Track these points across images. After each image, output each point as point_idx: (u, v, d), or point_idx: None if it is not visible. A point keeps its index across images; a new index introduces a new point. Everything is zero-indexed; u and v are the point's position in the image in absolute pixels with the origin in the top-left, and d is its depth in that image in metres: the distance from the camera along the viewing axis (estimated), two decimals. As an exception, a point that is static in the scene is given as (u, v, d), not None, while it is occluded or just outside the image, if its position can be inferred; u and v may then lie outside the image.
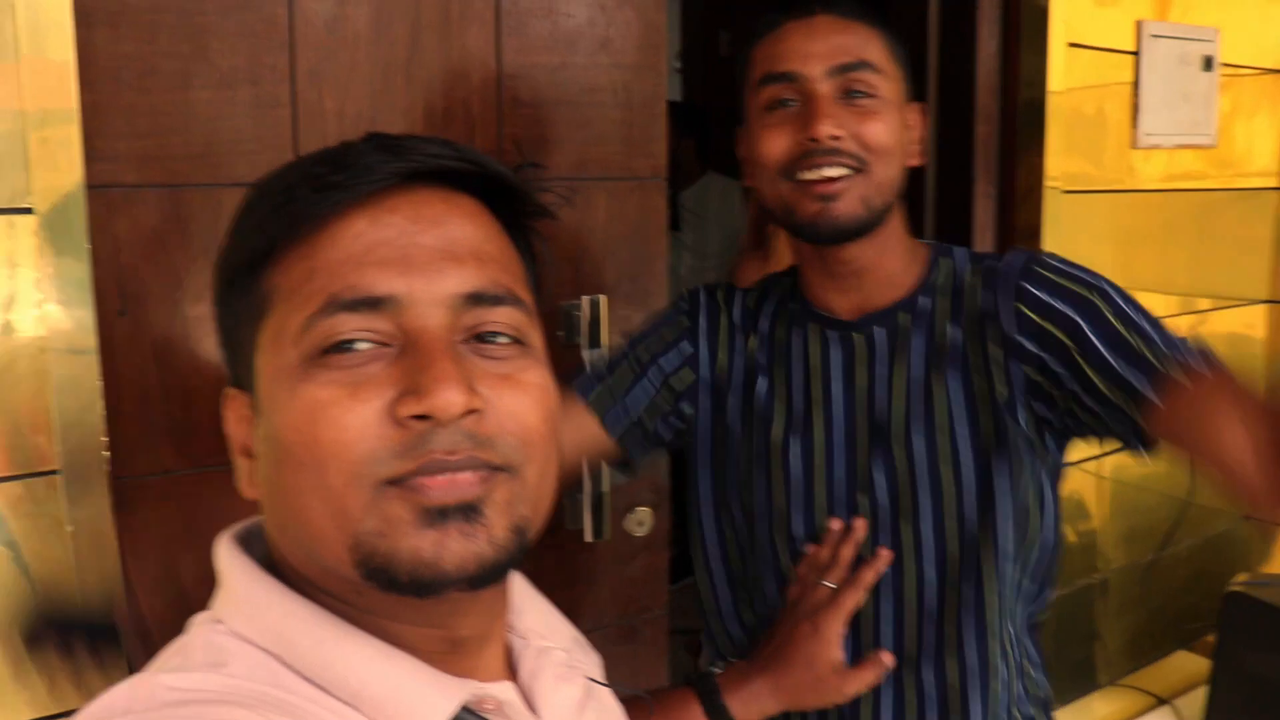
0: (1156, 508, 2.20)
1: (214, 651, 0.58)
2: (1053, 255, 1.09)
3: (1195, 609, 2.31)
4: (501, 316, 0.60)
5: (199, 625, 0.61)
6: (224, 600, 0.61)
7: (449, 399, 0.55)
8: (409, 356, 0.56)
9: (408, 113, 1.32)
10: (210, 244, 1.22)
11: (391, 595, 0.56)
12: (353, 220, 0.58)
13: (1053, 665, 2.09)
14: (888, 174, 1.06)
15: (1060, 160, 1.89)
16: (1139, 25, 1.97)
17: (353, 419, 0.55)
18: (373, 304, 0.57)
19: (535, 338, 0.63)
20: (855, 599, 1.08)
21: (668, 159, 1.52)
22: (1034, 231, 1.90)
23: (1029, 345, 1.03)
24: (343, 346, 0.57)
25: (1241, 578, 2.10)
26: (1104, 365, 0.98)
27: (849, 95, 1.04)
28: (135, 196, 1.18)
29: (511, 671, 0.68)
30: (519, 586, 0.73)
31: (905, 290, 1.11)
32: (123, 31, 1.15)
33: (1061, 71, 1.86)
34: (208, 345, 1.24)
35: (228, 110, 1.22)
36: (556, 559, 1.50)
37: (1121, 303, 1.02)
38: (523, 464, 0.59)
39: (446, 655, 0.61)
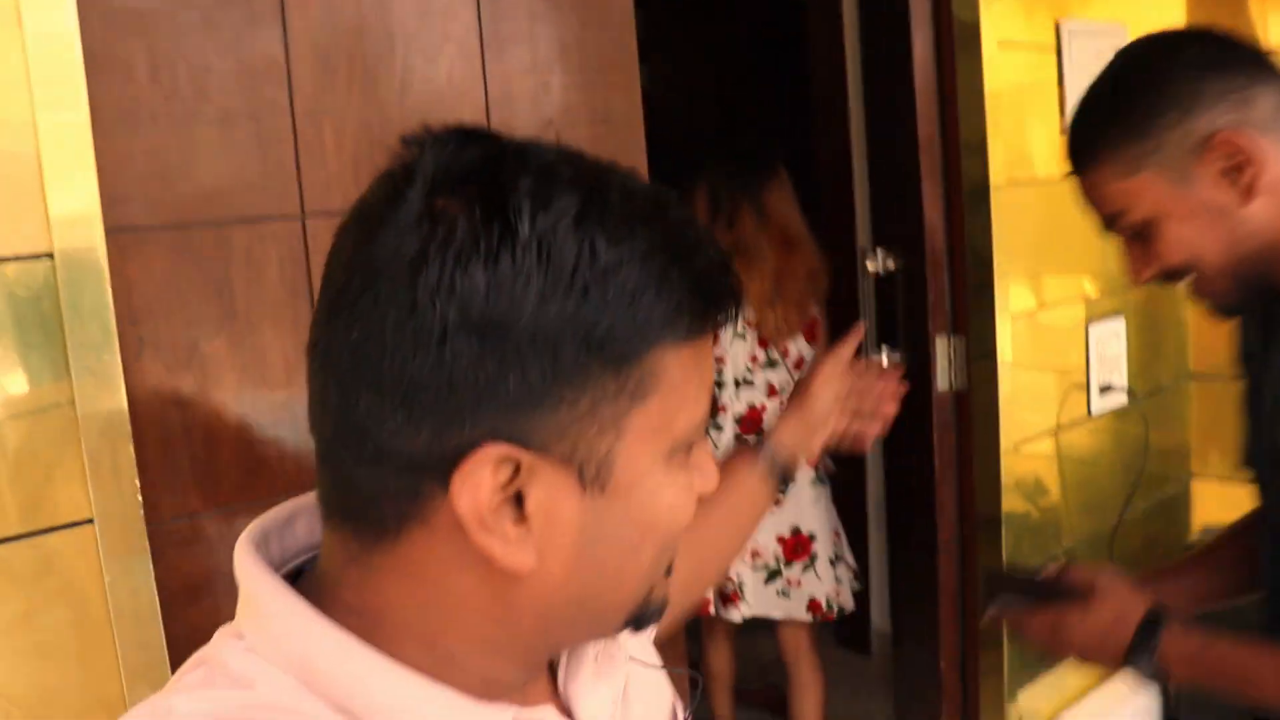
0: (1108, 478, 2.30)
1: (237, 671, 0.56)
2: None
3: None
4: None
5: (222, 637, 0.59)
6: (246, 613, 0.58)
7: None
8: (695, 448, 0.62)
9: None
10: (222, 281, 1.23)
11: (617, 629, 0.63)
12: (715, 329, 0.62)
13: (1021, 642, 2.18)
14: (1216, 258, 1.02)
15: (1000, 156, 1.99)
16: (1058, 23, 2.09)
17: (688, 504, 0.61)
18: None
19: None
20: None
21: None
22: (985, 227, 1.99)
23: None
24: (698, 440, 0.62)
25: (1197, 533, 2.21)
26: None
27: (1132, 236, 1.05)
28: (147, 237, 1.18)
29: (550, 676, 0.68)
30: None
31: None
32: (127, 75, 1.15)
33: (995, 71, 1.96)
34: (226, 383, 1.23)
35: (231, 147, 1.23)
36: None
37: None
38: None
39: (510, 688, 0.61)
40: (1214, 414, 2.52)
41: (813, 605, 2.45)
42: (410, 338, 0.51)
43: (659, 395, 0.55)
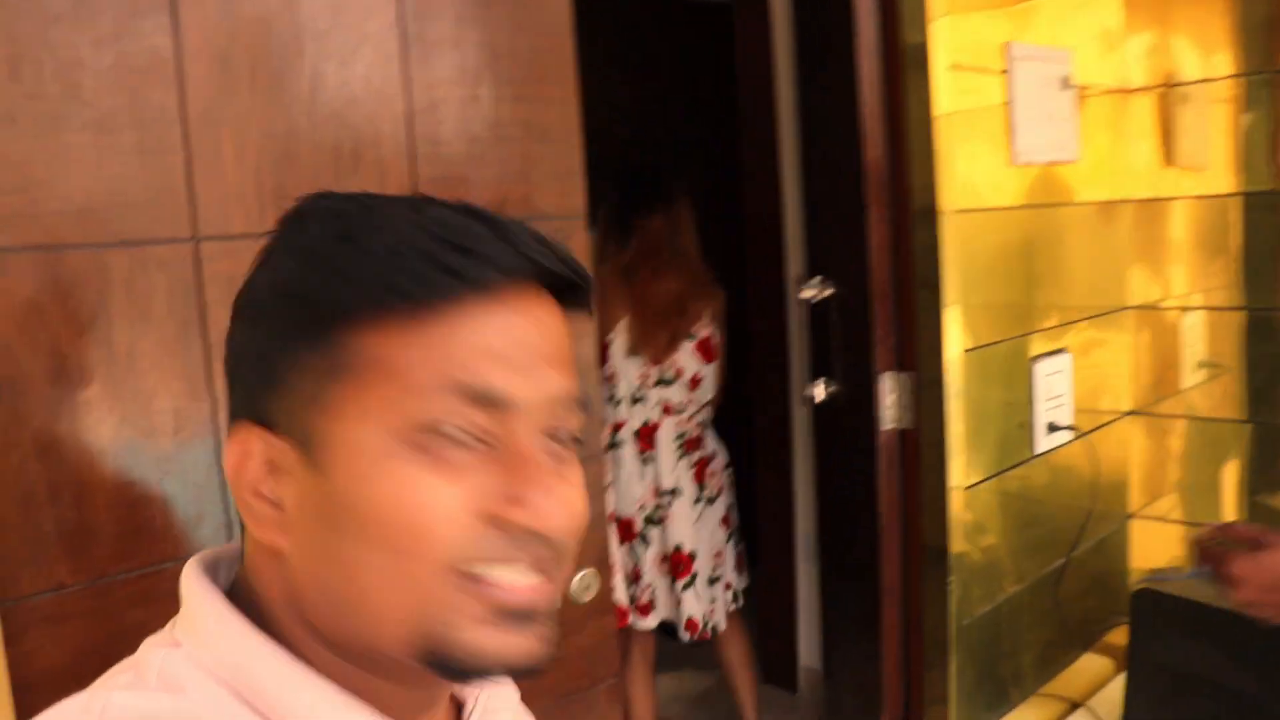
0: (1053, 518, 2.23)
1: (170, 675, 0.58)
2: None
3: (1094, 611, 2.36)
4: (575, 419, 0.62)
5: (153, 646, 0.61)
6: (185, 626, 0.61)
7: (558, 519, 0.58)
8: (512, 461, 0.58)
9: (315, 153, 1.18)
10: (97, 314, 1.05)
11: (434, 674, 0.59)
12: (470, 309, 0.57)
13: (972, 689, 2.08)
14: None
15: (947, 182, 1.90)
16: (1006, 46, 2.01)
17: (451, 512, 0.56)
18: (492, 402, 0.57)
19: None
20: None
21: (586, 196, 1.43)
22: (932, 252, 1.89)
23: None
24: (447, 433, 0.57)
25: (1143, 574, 2.15)
26: None
27: None
28: (5, 261, 1.00)
29: None
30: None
31: None
32: (-19, 68, 0.97)
33: (946, 93, 1.87)
34: (101, 433, 1.05)
35: (109, 158, 1.05)
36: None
37: None
38: (567, 563, 0.62)
39: (405, 710, 0.63)
40: (1150, 452, 2.47)
41: (689, 624, 2.55)
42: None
43: (371, 376, 0.56)
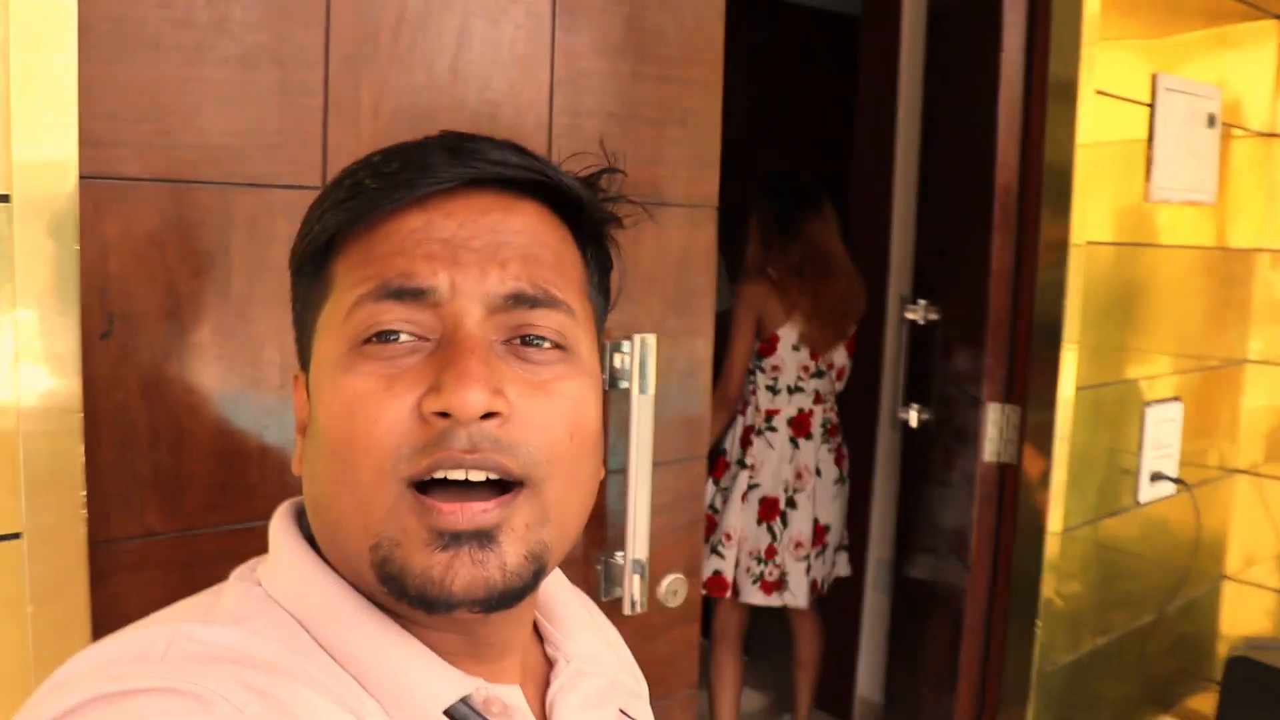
0: (1148, 573, 2.13)
1: (240, 609, 0.59)
2: None
3: (1179, 673, 2.25)
4: (542, 319, 0.60)
5: (236, 578, 0.63)
6: (266, 562, 0.64)
7: (467, 398, 0.54)
8: (442, 352, 0.57)
9: (452, 112, 1.13)
10: (217, 255, 1.01)
11: (405, 605, 0.58)
12: (410, 217, 0.59)
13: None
14: None
15: (1080, 214, 1.81)
16: (1154, 78, 1.92)
17: (384, 413, 0.56)
18: (416, 294, 0.58)
19: (584, 346, 0.63)
20: None
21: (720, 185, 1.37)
22: (1057, 285, 1.81)
23: None
24: (384, 336, 0.57)
25: (1238, 641, 2.04)
26: None
27: None
28: (131, 192, 0.96)
29: (544, 686, 0.69)
30: (576, 607, 0.74)
31: None
32: (131, -12, 0.93)
33: (1090, 122, 1.78)
34: (208, 379, 1.01)
35: (248, 95, 1.01)
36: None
37: None
38: (544, 479, 0.58)
39: (463, 656, 0.62)
40: (1251, 514, 2.35)
41: (812, 586, 2.74)
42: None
43: (331, 295, 0.60)
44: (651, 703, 0.83)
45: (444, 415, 0.55)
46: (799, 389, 2.73)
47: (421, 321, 0.58)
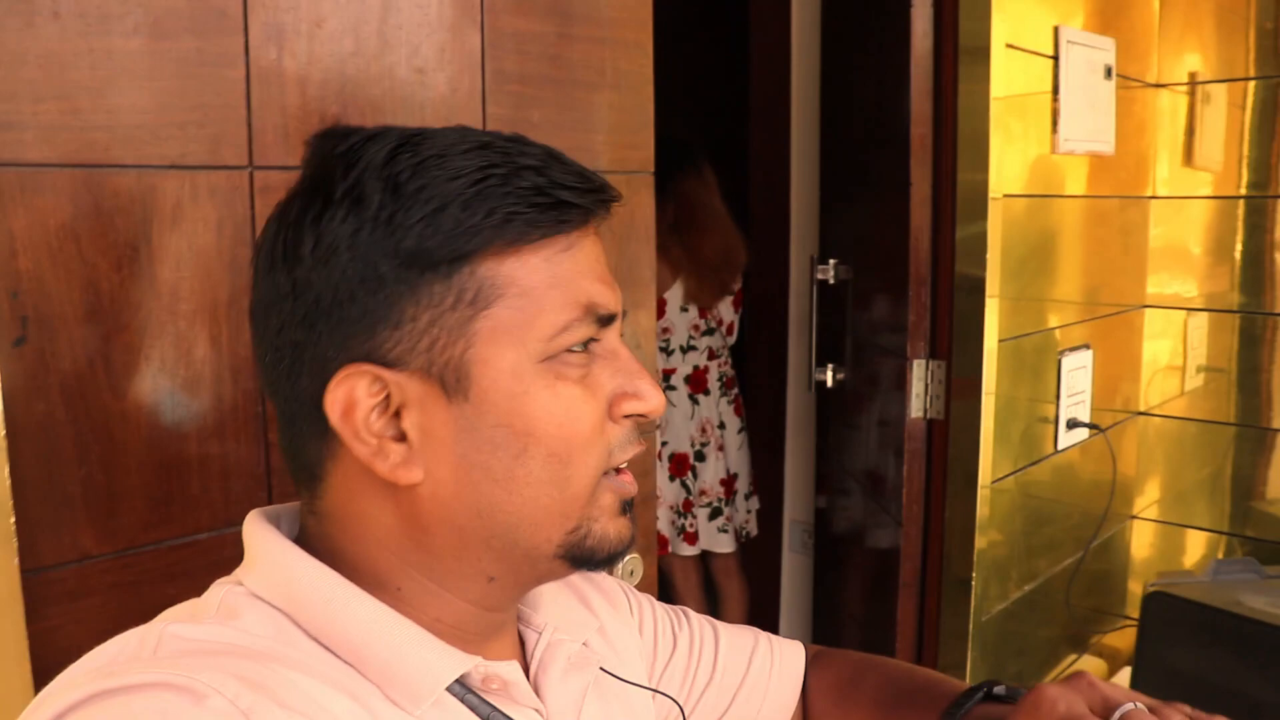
0: (1066, 517, 2.18)
1: (228, 607, 0.61)
2: None
3: (1097, 612, 2.32)
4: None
5: (217, 586, 0.64)
6: (244, 565, 0.65)
7: (662, 402, 0.67)
8: (617, 363, 0.66)
9: (382, 82, 1.05)
10: (140, 243, 0.91)
11: (566, 570, 0.67)
12: (574, 240, 0.64)
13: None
14: None
15: (998, 165, 1.82)
16: (1056, 31, 1.94)
17: (595, 416, 0.64)
18: (609, 320, 0.66)
19: None
20: None
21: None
22: (979, 239, 1.82)
23: None
24: (573, 349, 0.63)
25: (1152, 577, 2.11)
26: None
27: None
28: (38, 180, 0.86)
29: (522, 661, 0.73)
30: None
31: None
32: (25, -51, 0.83)
33: (1001, 75, 1.79)
34: (139, 382, 0.92)
35: (163, 67, 0.91)
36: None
37: None
38: None
39: (461, 636, 0.66)
40: (1154, 454, 2.44)
41: (734, 535, 2.90)
42: (274, 297, 0.63)
43: (506, 301, 0.61)
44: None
45: (636, 417, 0.66)
46: (692, 347, 2.84)
47: (593, 338, 0.66)
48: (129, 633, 0.59)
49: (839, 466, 2.45)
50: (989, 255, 1.81)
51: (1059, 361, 2.06)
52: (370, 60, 1.04)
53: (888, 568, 2.02)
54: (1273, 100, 2.24)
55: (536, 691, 0.70)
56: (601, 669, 0.77)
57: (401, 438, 0.62)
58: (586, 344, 0.64)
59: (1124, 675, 2.19)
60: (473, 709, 0.64)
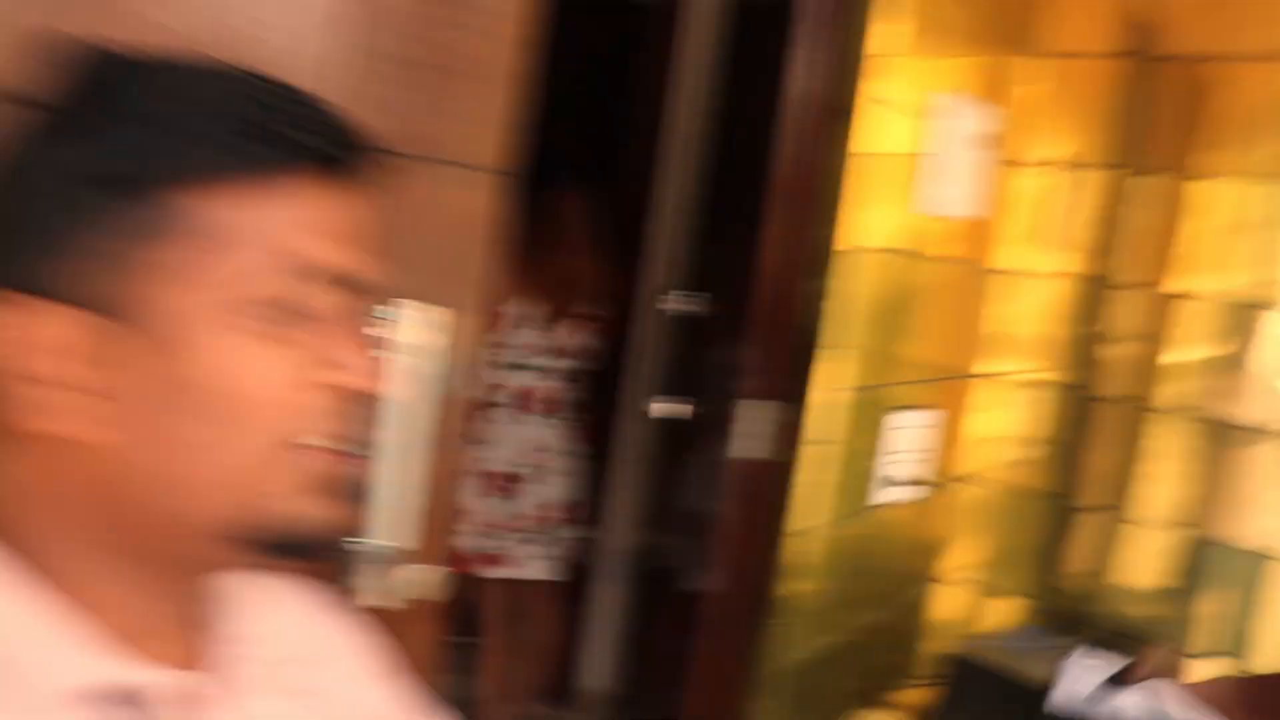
0: (877, 571, 2.22)
1: None
2: None
3: (895, 669, 2.37)
4: (368, 298, 0.63)
5: None
6: None
7: (368, 377, 0.59)
8: (330, 329, 0.58)
9: (220, 51, 0.98)
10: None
11: (236, 555, 0.58)
12: (303, 184, 0.57)
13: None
14: None
15: (849, 221, 1.85)
16: (928, 96, 1.98)
17: (283, 382, 0.57)
18: (320, 277, 0.58)
19: None
20: None
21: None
22: (821, 291, 1.84)
23: None
24: (277, 306, 0.57)
25: (956, 639, 2.17)
26: None
27: None
28: None
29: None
30: (256, 589, 0.69)
31: None
32: None
33: (862, 133, 1.82)
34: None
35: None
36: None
37: None
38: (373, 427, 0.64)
39: (143, 634, 0.58)
40: (969, 519, 2.51)
41: (547, 563, 2.80)
42: None
43: (202, 243, 0.55)
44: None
45: (333, 389, 0.58)
46: (523, 366, 2.77)
47: (313, 299, 0.58)
48: None
49: (668, 499, 2.44)
50: (829, 305, 1.83)
51: (887, 419, 2.09)
52: (204, 25, 0.97)
53: (697, 606, 2.01)
54: (1117, 190, 2.35)
55: (210, 710, 0.60)
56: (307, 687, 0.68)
57: (91, 390, 0.54)
58: (298, 302, 0.57)
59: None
60: None
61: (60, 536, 0.56)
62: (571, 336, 2.80)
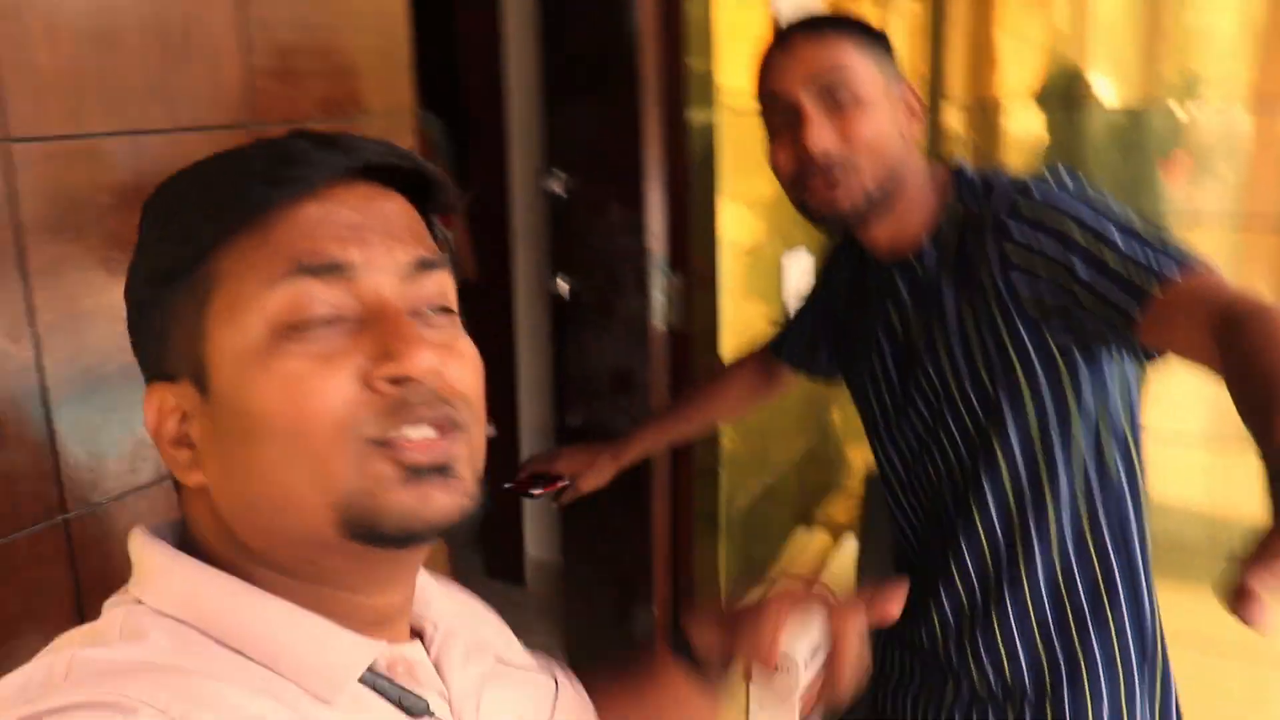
0: (794, 415, 2.37)
1: (131, 627, 0.59)
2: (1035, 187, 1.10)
3: (824, 491, 2.56)
4: (439, 284, 0.65)
5: (111, 607, 0.62)
6: (137, 582, 0.63)
7: (425, 357, 0.59)
8: (373, 326, 0.60)
9: (140, 33, 0.97)
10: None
11: (371, 550, 0.61)
12: (305, 207, 0.60)
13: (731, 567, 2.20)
14: (882, 161, 1.14)
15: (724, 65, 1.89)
16: None
17: (332, 386, 0.58)
18: (334, 269, 0.60)
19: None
20: None
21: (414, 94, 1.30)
22: (709, 153, 1.90)
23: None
24: (309, 317, 0.59)
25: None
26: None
27: (834, 106, 1.12)
28: None
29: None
30: (426, 579, 0.76)
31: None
32: None
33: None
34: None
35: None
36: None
37: (1096, 225, 1.05)
38: (470, 424, 0.64)
39: (366, 624, 0.64)
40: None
41: None
42: None
43: (229, 287, 0.60)
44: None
45: (398, 382, 0.59)
46: None
47: (339, 300, 0.60)
48: (29, 664, 0.57)
49: (584, 374, 2.51)
50: (720, 159, 1.88)
51: (781, 265, 2.21)
52: (123, 9, 0.95)
53: (639, 467, 2.12)
54: None
55: (439, 675, 0.70)
56: (497, 659, 0.77)
57: (182, 442, 0.63)
58: (335, 312, 0.60)
59: (850, 544, 2.44)
60: (382, 693, 0.64)
61: (246, 560, 0.63)
62: None
